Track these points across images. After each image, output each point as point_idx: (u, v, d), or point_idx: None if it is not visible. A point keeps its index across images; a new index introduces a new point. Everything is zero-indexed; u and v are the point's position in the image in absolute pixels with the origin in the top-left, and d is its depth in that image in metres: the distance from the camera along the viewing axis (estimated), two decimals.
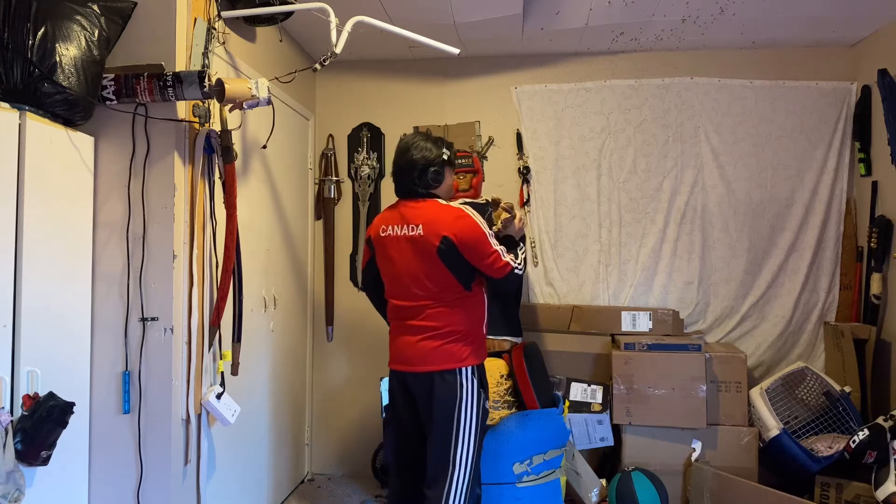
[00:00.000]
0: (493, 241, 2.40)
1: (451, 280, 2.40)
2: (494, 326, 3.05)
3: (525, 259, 2.52)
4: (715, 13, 3.26)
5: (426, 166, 2.45)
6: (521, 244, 2.57)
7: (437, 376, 2.40)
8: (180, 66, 2.32)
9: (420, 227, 2.41)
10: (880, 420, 2.81)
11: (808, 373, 3.32)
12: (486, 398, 2.49)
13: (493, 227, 2.56)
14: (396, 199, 2.56)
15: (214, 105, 2.49)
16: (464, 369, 2.41)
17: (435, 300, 2.42)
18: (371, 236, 2.59)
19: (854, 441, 2.79)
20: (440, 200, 2.49)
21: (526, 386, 2.97)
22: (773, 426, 3.11)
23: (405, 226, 2.44)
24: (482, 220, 2.43)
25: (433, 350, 2.41)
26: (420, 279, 2.42)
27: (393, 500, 2.63)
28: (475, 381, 2.42)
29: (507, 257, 2.41)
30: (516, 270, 2.42)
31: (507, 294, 3.13)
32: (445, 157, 2.49)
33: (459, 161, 3.26)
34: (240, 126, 2.79)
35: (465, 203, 3.19)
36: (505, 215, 2.59)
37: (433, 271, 2.39)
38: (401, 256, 2.46)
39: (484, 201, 3.33)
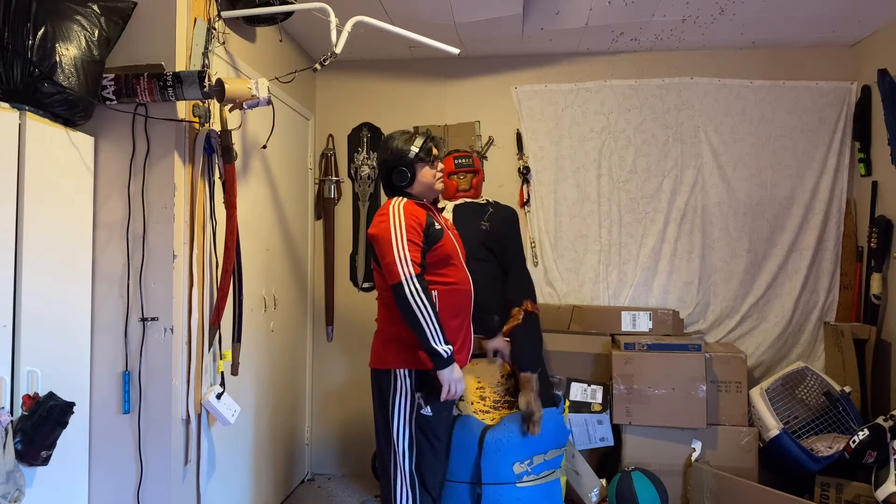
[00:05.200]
0: (398, 248, 2.22)
1: (384, 278, 2.33)
2: (494, 327, 3.04)
3: (428, 314, 2.20)
4: (715, 13, 3.26)
5: (392, 168, 2.43)
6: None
7: (373, 374, 2.43)
8: (180, 66, 2.32)
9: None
10: (880, 420, 2.81)
11: (808, 373, 3.31)
12: (426, 404, 2.35)
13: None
14: None
15: (214, 105, 2.49)
16: (398, 371, 2.33)
17: (380, 297, 2.46)
18: None
19: (854, 441, 2.79)
20: (402, 198, 2.39)
21: None
22: (773, 426, 3.11)
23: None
24: (402, 222, 2.27)
25: (375, 347, 2.45)
26: (375, 275, 2.48)
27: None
28: (409, 385, 2.33)
29: (405, 270, 2.19)
30: (405, 288, 2.18)
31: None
32: (412, 154, 2.38)
33: (459, 161, 3.25)
34: (240, 126, 2.79)
35: (465, 203, 3.21)
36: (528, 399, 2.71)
37: (376, 268, 2.42)
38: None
39: (484, 201, 3.33)
